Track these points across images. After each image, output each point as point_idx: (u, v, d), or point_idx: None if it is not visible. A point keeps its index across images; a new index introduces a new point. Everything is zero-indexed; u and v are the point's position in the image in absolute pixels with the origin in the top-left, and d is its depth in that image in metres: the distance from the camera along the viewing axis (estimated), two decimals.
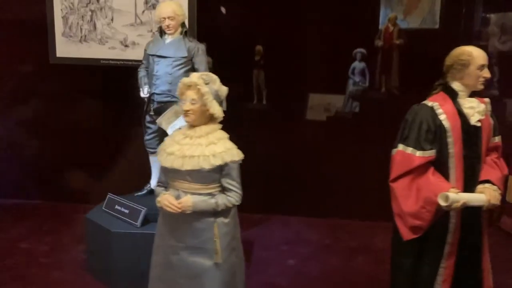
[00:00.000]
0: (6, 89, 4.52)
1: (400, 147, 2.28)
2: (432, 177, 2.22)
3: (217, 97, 2.15)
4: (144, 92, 3.47)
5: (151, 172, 3.78)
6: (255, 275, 3.57)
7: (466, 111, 2.26)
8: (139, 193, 3.74)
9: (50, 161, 4.56)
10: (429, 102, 2.30)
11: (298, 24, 4.25)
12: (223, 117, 2.21)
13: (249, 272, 3.59)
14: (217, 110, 2.13)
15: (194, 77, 2.12)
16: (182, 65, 3.43)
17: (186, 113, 2.10)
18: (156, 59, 3.46)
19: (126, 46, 4.12)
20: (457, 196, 2.12)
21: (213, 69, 4.40)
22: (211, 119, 2.17)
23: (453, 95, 2.29)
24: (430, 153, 2.24)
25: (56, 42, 4.19)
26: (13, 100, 4.55)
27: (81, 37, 4.17)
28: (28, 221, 4.31)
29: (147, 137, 3.61)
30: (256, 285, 3.43)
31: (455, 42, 4.01)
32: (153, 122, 3.47)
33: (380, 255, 3.61)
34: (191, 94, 2.09)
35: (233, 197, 2.12)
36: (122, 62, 4.16)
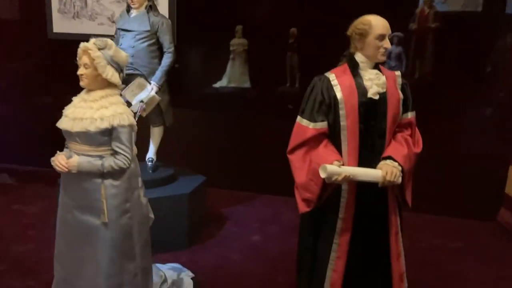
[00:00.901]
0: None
1: (298, 119, 2.25)
2: (322, 149, 2.17)
3: (114, 63, 2.22)
4: None
5: None
6: (214, 247, 3.66)
7: (365, 83, 2.18)
8: None
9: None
10: (328, 74, 2.23)
11: (332, 7, 4.17)
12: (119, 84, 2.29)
13: (209, 244, 3.70)
14: (111, 76, 2.20)
15: (89, 42, 2.21)
16: (145, 39, 3.53)
17: (80, 77, 2.20)
18: (121, 32, 3.59)
19: (113, 22, 4.28)
20: (337, 169, 2.06)
21: (247, 51, 4.50)
22: (108, 84, 2.25)
23: (354, 66, 2.20)
24: (322, 125, 2.18)
25: (53, 18, 4.44)
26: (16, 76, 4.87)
27: (74, 13, 4.39)
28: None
29: None
30: (210, 256, 3.51)
31: (498, 26, 3.89)
32: (121, 95, 3.61)
33: None
34: (84, 59, 2.19)
35: (121, 160, 2.19)
36: (110, 38, 4.31)
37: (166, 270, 3.03)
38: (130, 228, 2.31)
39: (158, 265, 3.09)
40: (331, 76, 2.20)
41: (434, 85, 4.18)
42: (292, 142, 2.23)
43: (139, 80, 3.55)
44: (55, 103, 2.76)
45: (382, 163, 2.17)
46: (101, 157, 2.20)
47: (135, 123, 2.26)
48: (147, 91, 3.52)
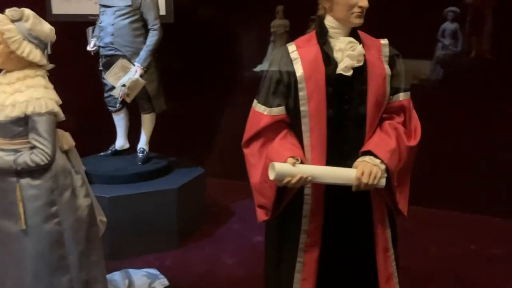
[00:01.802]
0: None
1: (253, 103, 1.77)
2: (279, 141, 1.68)
3: (33, 39, 1.85)
4: (90, 45, 3.27)
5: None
6: (207, 248, 3.27)
7: (335, 55, 1.65)
8: (104, 153, 3.60)
9: None
10: (289, 44, 1.73)
11: None
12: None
13: (202, 244, 3.29)
14: (28, 53, 1.83)
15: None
16: (127, 15, 3.16)
17: None
18: (101, 9, 3.23)
19: None
20: (289, 169, 1.56)
21: (289, 32, 4.10)
22: (29, 64, 1.88)
23: (322, 33, 1.69)
24: (278, 111, 1.70)
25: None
26: None
27: None
28: None
29: (105, 95, 3.43)
30: (199, 259, 3.13)
31: None
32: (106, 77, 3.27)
33: None
34: None
35: (38, 155, 1.82)
36: None
37: (138, 277, 2.68)
38: (59, 235, 1.95)
39: (131, 270, 2.75)
40: (291, 47, 1.70)
41: (492, 65, 3.65)
42: (247, 133, 1.76)
43: (122, 62, 3.19)
44: None
45: (359, 160, 1.66)
46: (16, 151, 1.84)
47: (57, 109, 1.87)
48: (131, 74, 3.15)
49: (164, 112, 3.52)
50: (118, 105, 3.41)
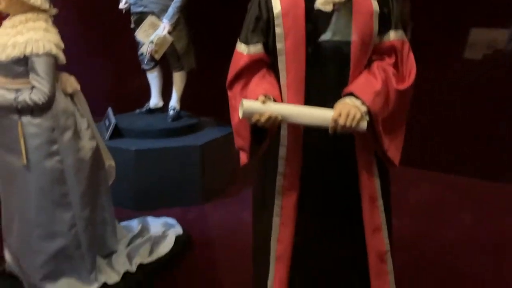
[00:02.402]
0: None
1: (237, 43, 1.73)
2: (256, 80, 1.63)
3: None
4: (121, 3, 3.35)
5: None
6: (230, 206, 3.29)
7: None
8: (139, 111, 3.72)
9: None
10: None
11: None
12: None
13: (226, 202, 3.32)
14: None
15: None
16: None
17: None
18: None
19: None
20: (257, 106, 1.52)
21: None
22: (31, 8, 1.96)
23: None
24: (256, 50, 1.64)
25: None
26: None
27: None
28: None
29: (138, 53, 3.52)
30: (220, 215, 3.16)
31: None
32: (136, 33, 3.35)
33: None
34: None
35: (36, 94, 1.92)
36: None
37: (155, 225, 2.77)
38: (60, 173, 2.05)
39: (149, 218, 2.84)
40: None
41: None
42: (229, 74, 1.72)
43: (151, 19, 3.25)
44: None
45: (339, 101, 1.57)
46: (18, 90, 1.94)
47: (55, 51, 1.94)
48: (159, 31, 3.20)
49: (197, 71, 3.56)
50: (148, 62, 3.48)
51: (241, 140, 1.69)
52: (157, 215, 2.97)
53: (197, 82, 3.66)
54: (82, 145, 2.11)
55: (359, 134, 1.60)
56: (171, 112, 3.51)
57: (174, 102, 3.54)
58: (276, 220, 1.73)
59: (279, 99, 1.60)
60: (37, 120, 1.97)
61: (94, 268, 2.21)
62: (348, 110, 1.51)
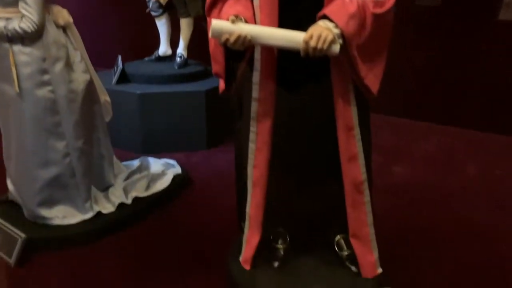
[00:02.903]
0: None
1: None
2: (231, 2, 1.63)
3: None
4: None
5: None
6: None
7: None
8: (148, 58, 3.77)
9: None
10: None
11: None
12: None
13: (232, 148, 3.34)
14: None
15: None
16: None
17: None
18: None
19: None
20: (227, 26, 1.51)
21: None
22: None
23: None
24: None
25: None
26: None
27: None
28: None
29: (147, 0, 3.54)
30: (223, 161, 3.20)
31: None
32: None
33: None
34: None
35: (25, 22, 1.97)
36: None
37: (155, 164, 2.84)
38: (52, 103, 2.12)
39: (150, 158, 2.91)
40: None
41: None
42: (207, 0, 1.73)
43: None
44: None
45: (313, 25, 1.55)
46: (8, 19, 2.00)
47: None
48: None
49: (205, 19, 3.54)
50: (156, 8, 3.49)
51: (217, 65, 1.70)
52: (162, 157, 3.04)
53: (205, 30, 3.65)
54: (75, 77, 2.17)
55: (335, 59, 1.59)
56: (178, 59, 3.54)
57: (181, 49, 3.56)
58: (251, 146, 1.75)
59: (252, 21, 1.60)
60: (27, 49, 2.03)
61: (89, 198, 2.30)
62: (320, 32, 1.49)
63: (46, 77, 2.08)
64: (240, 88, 1.77)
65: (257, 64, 1.66)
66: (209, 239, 2.28)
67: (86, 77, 2.22)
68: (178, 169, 2.84)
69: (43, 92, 2.08)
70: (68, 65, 2.14)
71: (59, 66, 2.10)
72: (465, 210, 2.54)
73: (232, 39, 1.50)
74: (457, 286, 1.93)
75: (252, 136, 1.74)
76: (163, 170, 2.78)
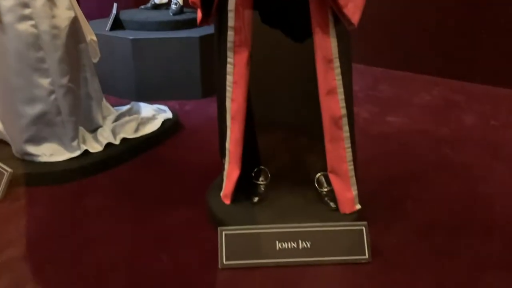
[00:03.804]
0: None
1: None
2: None
3: None
4: None
5: None
6: None
7: None
8: (144, 6, 3.73)
9: None
10: None
11: None
12: None
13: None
14: None
15: None
16: None
17: None
18: None
19: None
20: None
21: None
22: None
23: None
24: None
25: None
26: None
27: None
28: None
29: None
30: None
31: None
32: None
33: None
34: None
35: None
36: None
37: (145, 109, 2.84)
38: (35, 38, 2.11)
39: (141, 103, 2.91)
40: None
41: None
42: None
43: None
44: None
45: None
46: None
47: None
48: None
49: None
50: None
51: None
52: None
53: None
54: (58, 13, 2.15)
55: None
56: (173, 7, 3.49)
57: None
58: (229, 79, 1.73)
59: None
60: None
61: (77, 137, 2.31)
62: None
63: (27, 11, 2.06)
64: (219, 17, 1.74)
65: None
66: (195, 178, 2.30)
67: (70, 13, 2.20)
68: (169, 114, 2.84)
69: (25, 26, 2.07)
70: (51, 1, 2.12)
71: (40, 1, 2.08)
72: (456, 155, 2.52)
73: None
74: (437, 222, 1.93)
75: (229, 68, 1.72)
76: (153, 114, 2.78)
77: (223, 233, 1.64)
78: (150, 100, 3.17)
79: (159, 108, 2.89)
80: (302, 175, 1.91)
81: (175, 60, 3.23)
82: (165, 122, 2.74)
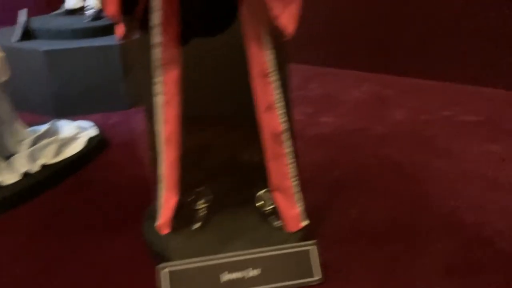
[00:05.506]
0: None
1: None
2: None
3: None
4: None
5: None
6: None
7: None
8: (55, 12, 3.44)
9: None
10: None
11: None
12: None
13: None
14: None
15: None
16: None
17: None
18: None
19: None
20: None
21: None
22: None
23: None
24: None
25: None
26: None
27: None
28: None
29: None
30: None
31: None
32: None
33: None
34: None
35: None
36: None
37: (67, 128, 2.60)
38: None
39: (62, 121, 2.67)
40: None
41: None
42: None
43: None
44: None
45: None
46: None
47: None
48: None
49: None
50: None
51: (111, 6, 1.48)
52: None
53: None
54: None
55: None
56: (89, 12, 3.24)
57: (91, 0, 3.26)
58: (159, 100, 1.58)
59: None
60: None
61: None
62: None
63: None
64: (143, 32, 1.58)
65: (157, 2, 1.46)
66: (128, 201, 2.12)
67: None
68: (93, 131, 2.62)
69: None
70: None
71: None
72: (391, 153, 2.52)
73: None
74: (386, 229, 1.89)
75: (159, 87, 1.56)
76: (76, 133, 2.55)
77: (161, 271, 1.49)
78: (71, 115, 2.92)
79: (81, 126, 2.66)
80: (245, 194, 1.81)
81: (95, 70, 3.00)
82: (89, 140, 2.52)
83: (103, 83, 3.03)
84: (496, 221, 1.90)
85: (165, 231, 1.71)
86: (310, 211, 1.77)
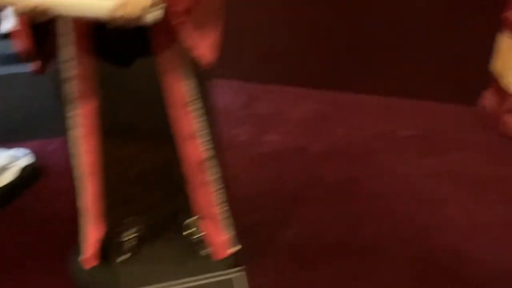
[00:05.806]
0: None
1: None
2: None
3: None
4: None
5: None
6: None
7: None
8: None
9: None
10: None
11: None
12: None
13: None
14: None
15: None
16: None
17: None
18: None
19: None
20: None
21: None
22: None
23: None
24: None
25: None
26: None
27: None
28: None
29: None
30: None
31: None
32: None
33: None
34: None
35: None
36: None
37: (1, 156, 2.52)
38: None
39: None
40: None
41: None
42: None
43: None
44: None
45: None
46: None
47: None
48: None
49: None
50: None
51: (23, 42, 1.46)
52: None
53: None
54: None
55: (156, 28, 1.43)
56: None
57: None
58: (79, 131, 1.56)
59: None
60: None
61: None
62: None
63: None
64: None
65: (68, 37, 1.45)
66: (61, 234, 2.07)
67: None
68: (28, 159, 2.56)
69: None
70: None
71: None
72: (330, 171, 2.56)
73: (20, 8, 1.28)
74: (322, 250, 1.91)
75: (77, 119, 1.54)
76: (8, 163, 2.48)
77: None
78: (10, 141, 2.83)
79: (14, 155, 2.58)
80: (176, 222, 1.79)
81: (32, 96, 2.92)
82: (25, 168, 2.46)
83: (41, 109, 2.96)
84: (435, 236, 1.96)
85: (91, 264, 1.68)
86: (244, 235, 1.78)
